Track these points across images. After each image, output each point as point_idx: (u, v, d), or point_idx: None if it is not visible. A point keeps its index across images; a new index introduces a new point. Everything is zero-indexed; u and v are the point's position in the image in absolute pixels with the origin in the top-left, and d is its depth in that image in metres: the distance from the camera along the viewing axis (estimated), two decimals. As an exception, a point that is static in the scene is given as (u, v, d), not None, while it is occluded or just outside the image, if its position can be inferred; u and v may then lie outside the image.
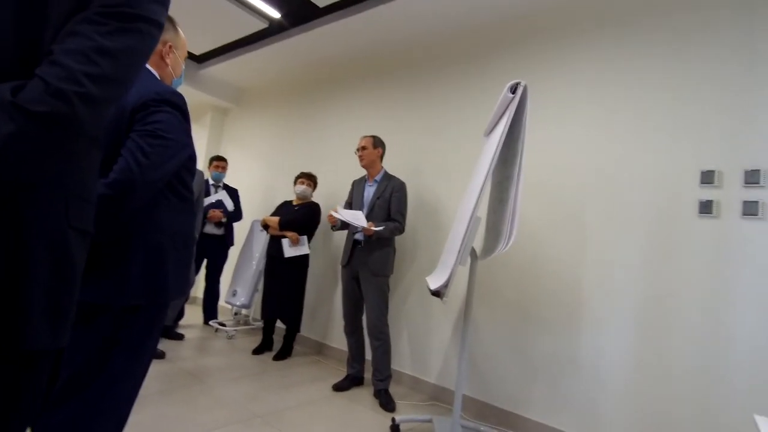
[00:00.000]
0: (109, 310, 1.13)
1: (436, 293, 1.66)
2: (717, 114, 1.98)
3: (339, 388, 2.67)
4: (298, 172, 3.53)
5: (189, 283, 1.41)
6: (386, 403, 2.46)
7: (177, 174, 1.24)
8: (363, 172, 2.88)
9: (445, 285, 1.61)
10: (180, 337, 3.42)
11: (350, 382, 2.73)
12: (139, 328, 1.19)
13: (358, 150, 2.78)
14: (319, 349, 3.49)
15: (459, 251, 1.63)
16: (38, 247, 0.58)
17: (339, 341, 3.34)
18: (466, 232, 1.63)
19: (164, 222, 1.21)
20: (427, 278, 2.00)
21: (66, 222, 0.62)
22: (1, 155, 0.49)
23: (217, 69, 4.33)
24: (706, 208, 1.94)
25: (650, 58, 2.20)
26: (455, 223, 2.04)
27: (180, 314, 3.58)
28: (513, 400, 2.38)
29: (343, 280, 2.77)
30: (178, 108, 1.21)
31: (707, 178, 1.95)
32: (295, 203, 3.40)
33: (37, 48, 0.57)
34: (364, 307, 2.68)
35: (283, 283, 3.24)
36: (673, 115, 2.10)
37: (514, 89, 1.73)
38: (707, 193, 1.95)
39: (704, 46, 2.05)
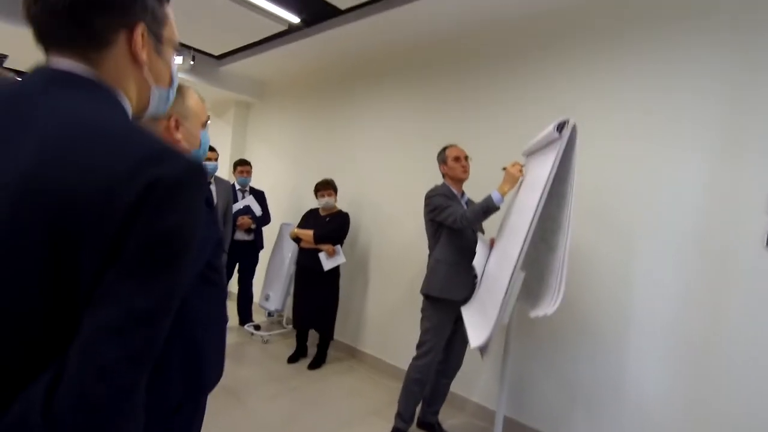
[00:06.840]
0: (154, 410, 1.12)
1: (479, 349, 1.59)
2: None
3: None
4: (320, 174, 3.44)
5: (222, 369, 1.35)
6: None
7: (207, 262, 1.19)
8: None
9: (486, 345, 1.54)
10: (218, 343, 3.52)
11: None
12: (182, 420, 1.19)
13: (463, 158, 2.35)
14: (353, 353, 3.53)
15: (500, 308, 1.54)
16: None
17: (370, 346, 3.37)
18: (508, 288, 1.54)
19: (197, 315, 1.17)
20: (467, 327, 1.89)
21: None
22: None
23: (237, 66, 4.20)
24: (775, 242, 1.76)
25: (708, 63, 1.95)
26: (493, 258, 1.93)
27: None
28: (553, 423, 2.35)
29: (448, 319, 2.24)
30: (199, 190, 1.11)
31: (779, 208, 1.76)
32: (322, 213, 3.35)
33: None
34: (454, 345, 2.34)
35: (317, 294, 3.25)
36: (734, 130, 1.88)
37: (560, 128, 1.57)
38: (779, 228, 1.77)
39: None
